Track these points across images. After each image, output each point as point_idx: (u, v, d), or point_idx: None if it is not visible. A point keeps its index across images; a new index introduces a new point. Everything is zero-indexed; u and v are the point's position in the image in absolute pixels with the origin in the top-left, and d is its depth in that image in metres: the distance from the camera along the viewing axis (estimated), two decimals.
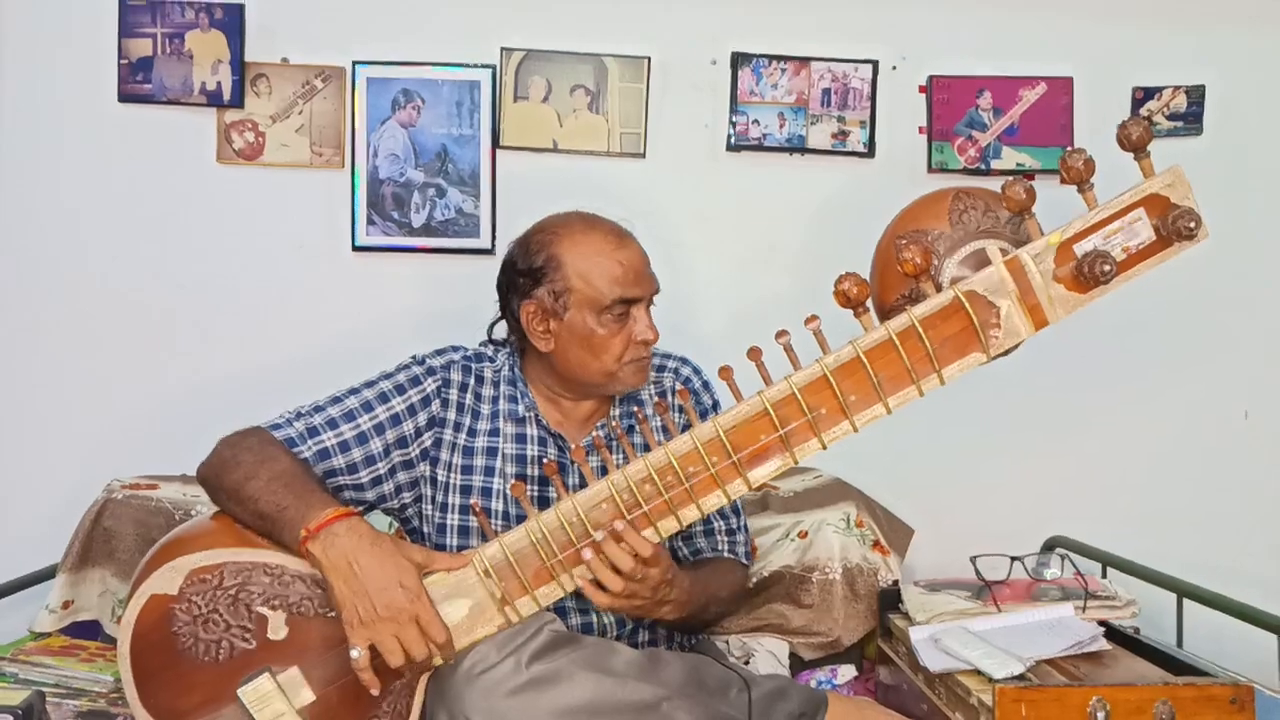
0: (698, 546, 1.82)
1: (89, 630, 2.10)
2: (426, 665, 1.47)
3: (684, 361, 1.87)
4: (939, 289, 1.44)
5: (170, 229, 2.33)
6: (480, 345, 1.83)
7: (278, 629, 1.46)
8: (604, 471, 1.51)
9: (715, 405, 1.84)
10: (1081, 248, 1.40)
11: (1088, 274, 1.38)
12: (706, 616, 1.76)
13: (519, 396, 1.75)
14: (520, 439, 1.74)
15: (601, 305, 1.66)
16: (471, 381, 1.76)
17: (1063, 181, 1.39)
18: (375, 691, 1.44)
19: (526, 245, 1.73)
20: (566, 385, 1.74)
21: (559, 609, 1.63)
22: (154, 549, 1.53)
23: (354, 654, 1.41)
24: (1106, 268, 1.37)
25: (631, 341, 1.69)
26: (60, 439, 2.32)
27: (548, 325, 1.69)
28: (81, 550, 2.10)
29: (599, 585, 1.49)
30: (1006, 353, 1.45)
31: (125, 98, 2.31)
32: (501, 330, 1.82)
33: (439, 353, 1.77)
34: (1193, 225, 1.37)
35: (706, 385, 1.86)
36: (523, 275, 1.71)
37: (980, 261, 1.47)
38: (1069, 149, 1.38)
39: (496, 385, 1.77)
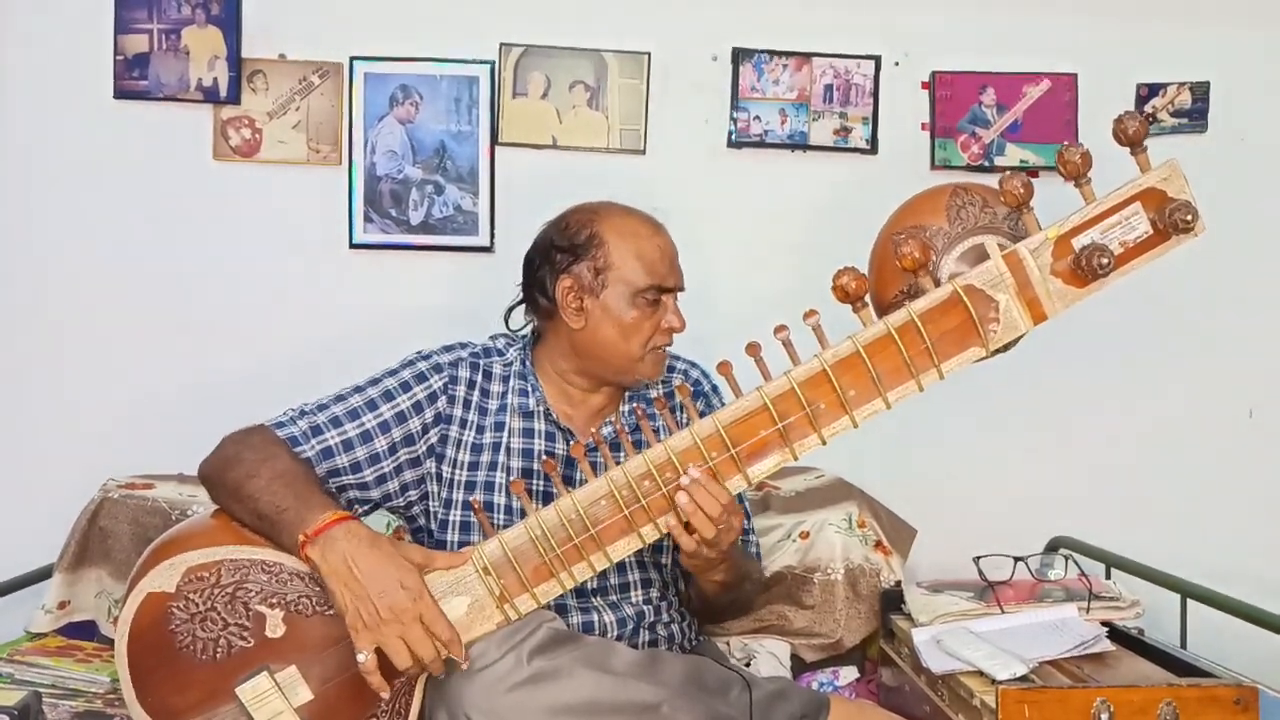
0: None
1: (85, 631, 2.10)
2: (437, 667, 1.45)
3: (693, 364, 1.86)
4: (937, 284, 1.44)
5: (166, 226, 2.31)
6: (491, 338, 1.81)
7: (275, 627, 1.46)
8: (606, 468, 1.49)
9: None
10: (1079, 242, 1.40)
11: (1085, 267, 1.38)
12: (739, 595, 1.78)
13: (529, 390, 1.74)
14: (528, 433, 1.72)
15: (637, 288, 1.67)
16: (479, 379, 1.74)
17: (1062, 177, 1.38)
18: (385, 695, 1.43)
19: (565, 223, 1.73)
20: (584, 370, 1.74)
21: (558, 608, 1.61)
22: (151, 547, 1.52)
23: (360, 658, 1.40)
24: (1104, 261, 1.36)
25: (659, 329, 1.70)
26: (55, 438, 2.30)
27: (582, 302, 1.69)
28: (77, 550, 2.09)
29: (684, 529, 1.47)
30: (1006, 348, 1.44)
31: (121, 94, 2.29)
32: (517, 318, 1.81)
33: (447, 349, 1.76)
34: (1189, 218, 1.37)
35: (716, 389, 1.85)
36: (561, 251, 1.70)
37: (978, 257, 1.47)
38: (1066, 144, 1.37)
39: (505, 380, 1.75)
